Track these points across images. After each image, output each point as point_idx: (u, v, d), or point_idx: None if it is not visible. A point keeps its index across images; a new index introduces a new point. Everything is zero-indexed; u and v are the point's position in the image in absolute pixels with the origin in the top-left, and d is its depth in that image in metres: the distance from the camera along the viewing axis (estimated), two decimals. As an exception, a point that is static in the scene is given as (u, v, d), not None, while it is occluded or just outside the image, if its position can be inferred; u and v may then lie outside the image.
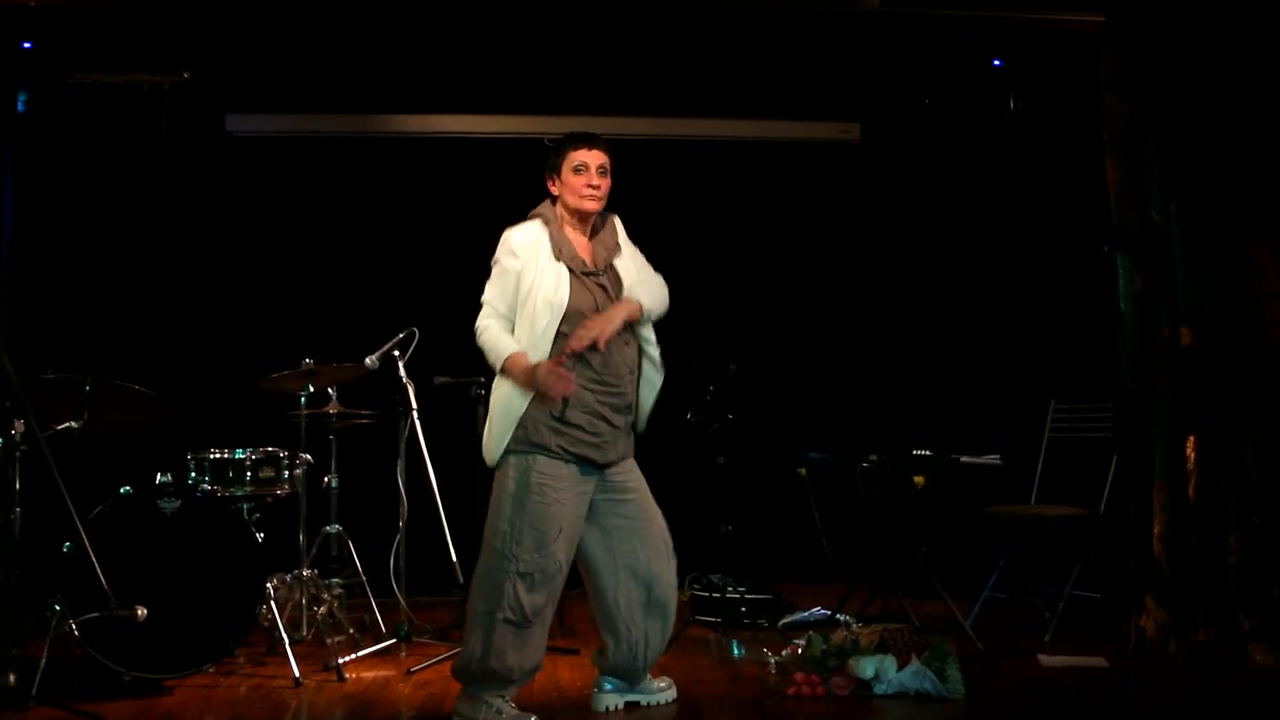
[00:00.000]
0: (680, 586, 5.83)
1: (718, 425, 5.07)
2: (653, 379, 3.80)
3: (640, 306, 3.70)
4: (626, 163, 6.39)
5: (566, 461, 3.59)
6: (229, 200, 6.34)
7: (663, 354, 3.88)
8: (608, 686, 3.86)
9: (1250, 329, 4.54)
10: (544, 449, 3.58)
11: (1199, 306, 4.54)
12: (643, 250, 3.92)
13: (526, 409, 3.58)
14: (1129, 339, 4.64)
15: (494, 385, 3.70)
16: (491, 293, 3.72)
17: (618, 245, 3.82)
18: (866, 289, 6.70)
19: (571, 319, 3.59)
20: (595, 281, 3.69)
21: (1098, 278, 5.39)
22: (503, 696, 3.59)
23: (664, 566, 3.78)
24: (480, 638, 3.55)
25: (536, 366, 3.53)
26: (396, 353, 4.63)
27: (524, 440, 3.59)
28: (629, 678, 3.85)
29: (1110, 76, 4.70)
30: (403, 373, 4.64)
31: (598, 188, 3.72)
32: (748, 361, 5.20)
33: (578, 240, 3.76)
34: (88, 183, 6.01)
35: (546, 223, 3.73)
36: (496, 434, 3.64)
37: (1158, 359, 4.57)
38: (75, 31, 5.58)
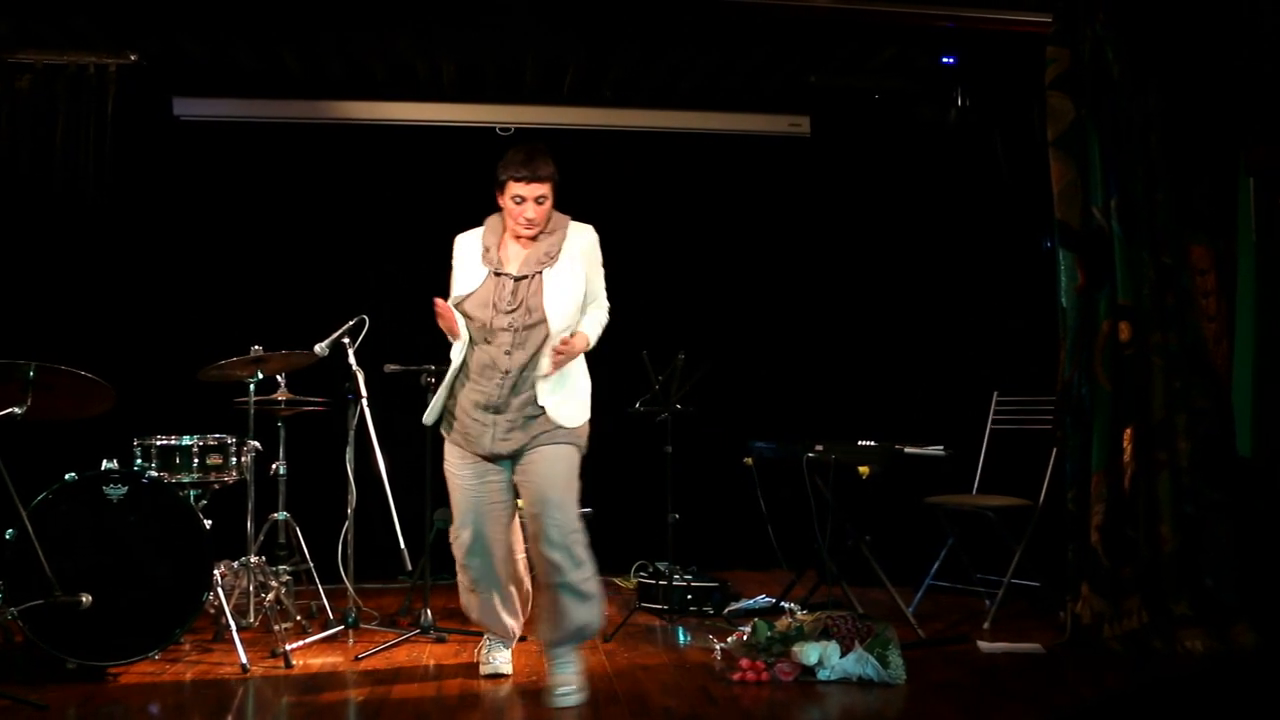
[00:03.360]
0: (627, 574, 5.93)
1: (665, 415, 5.11)
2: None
3: (589, 341, 3.95)
4: (577, 153, 6.40)
5: (458, 448, 3.97)
6: (176, 185, 6.28)
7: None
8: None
9: (1187, 325, 4.65)
10: (448, 436, 4.02)
11: (1138, 302, 4.64)
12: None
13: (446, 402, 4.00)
14: (1070, 333, 4.73)
15: None
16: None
17: (554, 257, 3.90)
18: (815, 281, 6.77)
19: (471, 312, 3.89)
20: (504, 278, 3.88)
21: (1040, 273, 5.48)
22: (493, 639, 4.16)
23: (544, 555, 3.84)
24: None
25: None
26: (346, 340, 4.62)
27: (444, 429, 4.03)
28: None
29: (1056, 76, 4.78)
30: (352, 360, 4.63)
31: (532, 220, 3.87)
32: (696, 352, 5.24)
33: (514, 247, 3.95)
34: (31, 165, 5.91)
35: (487, 229, 4.00)
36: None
37: (1097, 353, 4.67)
38: (18, 10, 5.48)
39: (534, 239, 3.92)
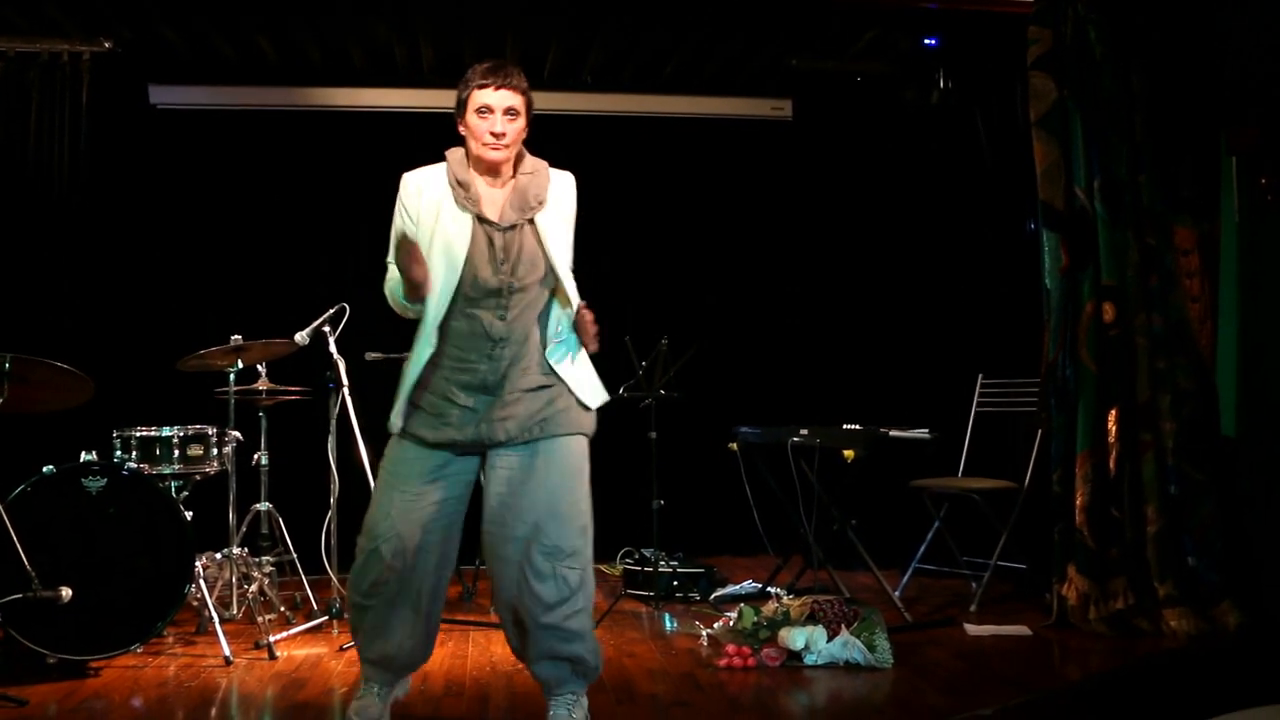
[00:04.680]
0: (612, 561, 5.91)
1: (649, 400, 5.09)
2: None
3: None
4: (560, 137, 6.36)
5: (418, 444, 3.24)
6: (153, 173, 6.23)
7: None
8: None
9: (1170, 306, 4.65)
10: (402, 432, 3.28)
11: (1122, 283, 4.64)
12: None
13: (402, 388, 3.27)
14: (1054, 315, 4.73)
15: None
16: (391, 250, 3.27)
17: (541, 203, 3.26)
18: (798, 265, 6.76)
19: (469, 275, 3.17)
20: (488, 233, 3.20)
21: (1024, 255, 5.48)
22: (378, 682, 3.33)
23: (529, 586, 3.16)
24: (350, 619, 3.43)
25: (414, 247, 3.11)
26: (327, 328, 4.60)
27: (395, 424, 3.30)
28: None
29: (1038, 56, 4.77)
30: (333, 348, 4.61)
31: (502, 135, 3.19)
32: (679, 337, 5.22)
33: (488, 189, 3.28)
34: (3, 154, 5.85)
35: (451, 165, 3.29)
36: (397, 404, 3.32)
37: (1082, 334, 4.67)
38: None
39: (508, 179, 3.27)
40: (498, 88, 3.18)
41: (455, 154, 3.31)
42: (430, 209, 3.23)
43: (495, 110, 3.18)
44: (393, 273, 3.27)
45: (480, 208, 3.22)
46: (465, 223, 3.20)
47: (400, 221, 3.28)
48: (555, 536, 3.17)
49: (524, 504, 3.19)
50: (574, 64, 6.36)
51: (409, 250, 3.09)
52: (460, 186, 3.23)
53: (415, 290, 3.14)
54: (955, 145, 6.36)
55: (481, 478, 3.32)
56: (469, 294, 3.19)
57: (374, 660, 3.33)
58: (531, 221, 3.24)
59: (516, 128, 3.22)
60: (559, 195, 3.33)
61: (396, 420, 3.28)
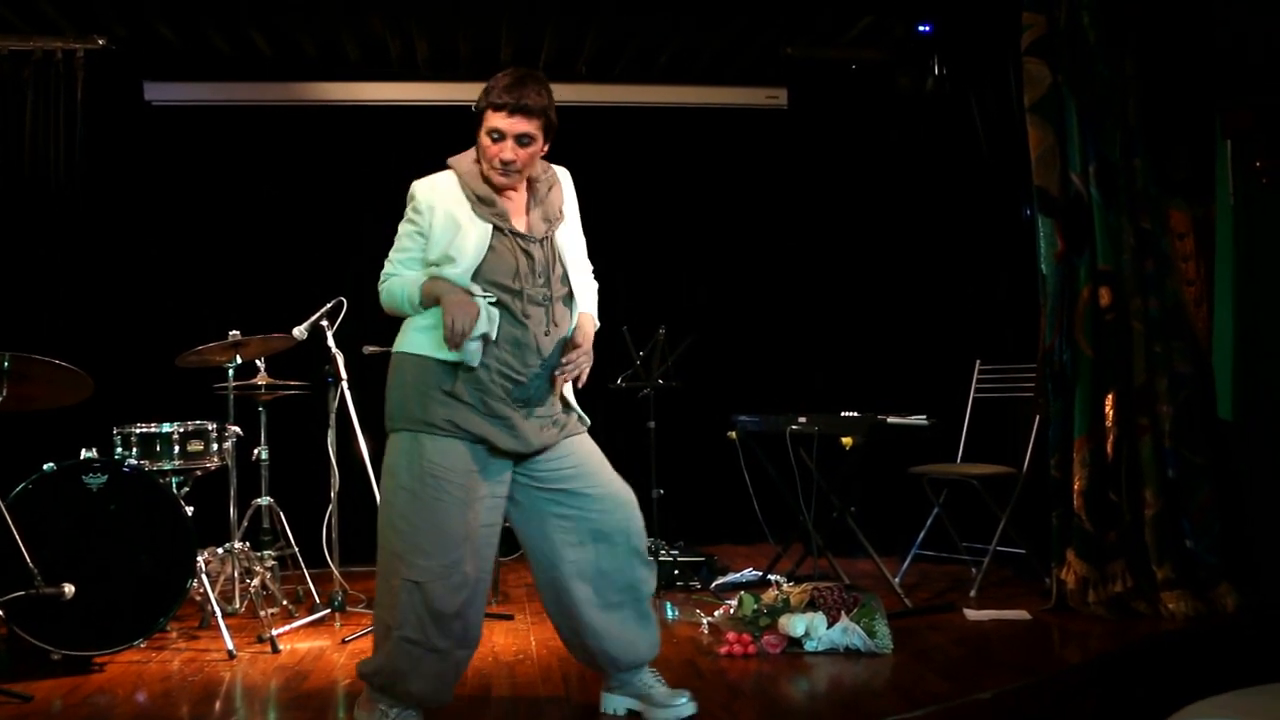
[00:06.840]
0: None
1: (647, 390, 5.10)
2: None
3: (595, 324, 3.27)
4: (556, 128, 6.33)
5: (462, 440, 3.04)
6: (149, 170, 6.23)
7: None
8: (613, 684, 3.39)
9: (1166, 289, 4.66)
10: (433, 426, 3.04)
11: (1118, 268, 4.64)
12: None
13: (420, 378, 3.07)
14: (1050, 300, 4.73)
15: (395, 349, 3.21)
16: (397, 254, 3.17)
17: (562, 214, 3.23)
18: (794, 253, 6.77)
19: (487, 282, 3.06)
20: (522, 246, 3.11)
21: (1020, 240, 5.48)
22: (401, 706, 3.12)
23: (623, 564, 3.23)
24: (382, 651, 3.08)
25: (455, 290, 3.01)
26: (324, 322, 4.60)
27: (413, 417, 3.07)
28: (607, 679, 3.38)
29: (1032, 42, 4.77)
30: (331, 342, 4.62)
31: (510, 163, 3.05)
32: (676, 326, 5.22)
33: (511, 199, 3.16)
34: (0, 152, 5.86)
35: (461, 173, 3.14)
36: (395, 401, 3.13)
37: (1078, 319, 4.67)
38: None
39: (531, 195, 3.20)
40: (511, 113, 3.01)
41: (463, 163, 3.17)
42: (443, 223, 3.09)
43: (507, 136, 3.04)
44: (395, 278, 3.17)
45: (511, 222, 3.11)
46: (484, 231, 3.07)
47: (409, 230, 3.15)
48: (641, 521, 3.29)
49: (613, 490, 3.23)
50: (569, 55, 6.35)
51: (466, 311, 2.96)
52: (482, 203, 3.09)
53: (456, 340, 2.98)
54: (950, 132, 6.35)
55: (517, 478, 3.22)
56: (509, 308, 3.07)
57: (408, 696, 3.10)
58: (551, 237, 3.19)
59: (529, 153, 3.09)
60: (569, 200, 3.30)
61: (417, 414, 3.05)
